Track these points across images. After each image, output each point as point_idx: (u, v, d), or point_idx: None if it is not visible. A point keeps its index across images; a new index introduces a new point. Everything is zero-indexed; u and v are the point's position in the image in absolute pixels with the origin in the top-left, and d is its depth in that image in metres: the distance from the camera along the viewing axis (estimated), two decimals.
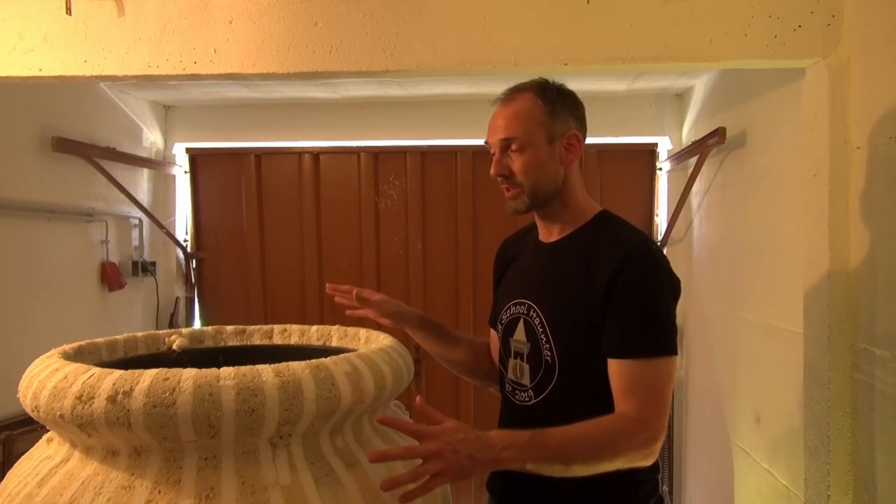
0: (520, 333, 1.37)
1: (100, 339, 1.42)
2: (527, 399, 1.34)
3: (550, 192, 1.34)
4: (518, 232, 1.56)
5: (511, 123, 1.32)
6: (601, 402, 1.21)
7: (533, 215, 1.41)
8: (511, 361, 1.39)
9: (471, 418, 3.34)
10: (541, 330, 1.32)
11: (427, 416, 1.10)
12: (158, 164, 3.33)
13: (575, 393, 1.27)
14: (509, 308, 1.41)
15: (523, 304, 1.37)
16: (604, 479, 1.19)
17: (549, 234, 1.40)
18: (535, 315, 1.34)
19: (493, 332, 1.55)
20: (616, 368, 1.21)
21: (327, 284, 1.51)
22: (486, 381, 1.57)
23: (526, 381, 1.35)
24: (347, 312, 1.52)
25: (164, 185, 3.42)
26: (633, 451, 1.16)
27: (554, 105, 1.33)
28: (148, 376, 0.99)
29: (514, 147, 1.32)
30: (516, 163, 1.32)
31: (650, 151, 3.33)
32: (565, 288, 1.31)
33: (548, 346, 1.30)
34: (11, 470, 1.15)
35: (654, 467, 1.31)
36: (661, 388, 1.19)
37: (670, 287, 1.26)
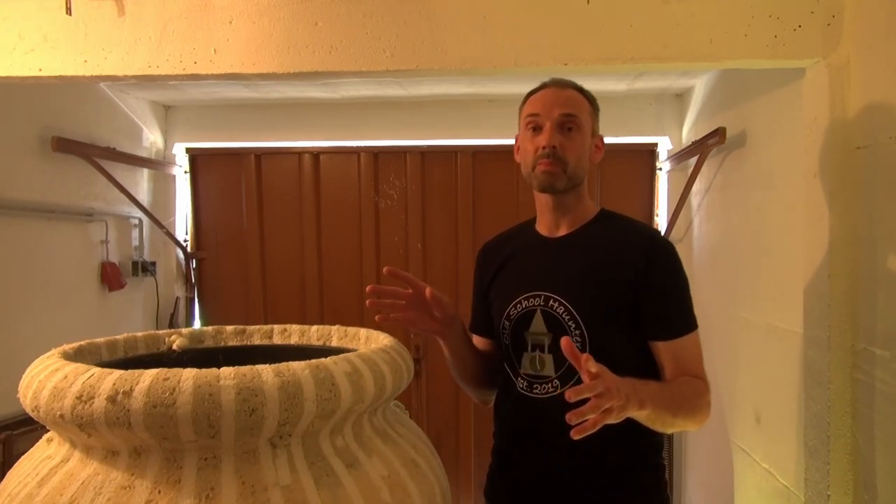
0: (537, 325, 1.36)
1: (100, 339, 1.42)
2: (551, 389, 1.33)
3: (581, 179, 1.40)
4: (499, 236, 1.57)
5: (573, 103, 1.37)
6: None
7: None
8: (528, 355, 1.37)
9: (470, 419, 3.33)
10: (567, 318, 1.33)
11: (576, 358, 1.05)
12: (158, 164, 3.33)
13: None
14: (519, 302, 1.39)
15: (538, 296, 1.37)
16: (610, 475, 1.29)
17: (555, 228, 1.42)
18: (556, 304, 1.34)
19: (476, 338, 1.54)
20: (668, 348, 1.31)
21: (368, 287, 1.27)
22: (488, 388, 1.53)
23: (549, 371, 1.34)
24: (390, 317, 1.30)
25: (164, 185, 3.42)
26: (705, 409, 1.28)
27: (594, 106, 1.42)
28: (148, 376, 0.99)
29: (571, 125, 1.35)
30: (569, 140, 1.35)
31: (650, 151, 3.32)
32: (591, 276, 1.35)
33: (578, 331, 1.32)
34: (11, 470, 1.15)
35: (660, 454, 1.39)
36: (702, 357, 1.35)
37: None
